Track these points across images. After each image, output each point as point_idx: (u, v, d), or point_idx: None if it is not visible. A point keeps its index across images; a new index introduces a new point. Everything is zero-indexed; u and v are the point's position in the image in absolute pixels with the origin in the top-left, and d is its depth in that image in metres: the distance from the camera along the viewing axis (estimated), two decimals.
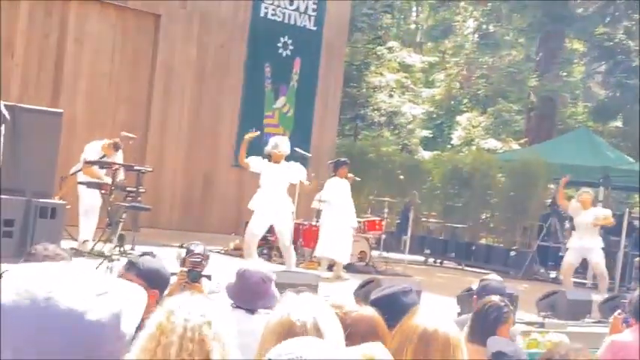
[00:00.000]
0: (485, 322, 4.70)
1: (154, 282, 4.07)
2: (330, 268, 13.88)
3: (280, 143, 11.28)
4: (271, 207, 11.04)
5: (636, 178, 18.97)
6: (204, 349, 2.35)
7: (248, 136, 11.48)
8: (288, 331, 2.26)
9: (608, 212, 14.04)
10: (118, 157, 12.00)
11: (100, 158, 11.70)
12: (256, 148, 12.30)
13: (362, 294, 7.51)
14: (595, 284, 14.50)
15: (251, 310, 4.17)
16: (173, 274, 6.58)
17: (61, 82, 16.06)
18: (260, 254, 14.00)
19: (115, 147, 11.97)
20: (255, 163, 11.29)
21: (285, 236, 11.33)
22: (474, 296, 5.89)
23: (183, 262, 6.90)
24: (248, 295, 4.22)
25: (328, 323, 2.29)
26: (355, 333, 2.77)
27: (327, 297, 3.81)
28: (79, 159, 12.02)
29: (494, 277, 6.33)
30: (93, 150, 11.94)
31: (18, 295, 1.15)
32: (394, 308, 3.14)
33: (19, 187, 9.56)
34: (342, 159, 14.10)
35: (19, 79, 15.51)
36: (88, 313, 1.15)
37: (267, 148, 11.32)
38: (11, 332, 1.13)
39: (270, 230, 14.25)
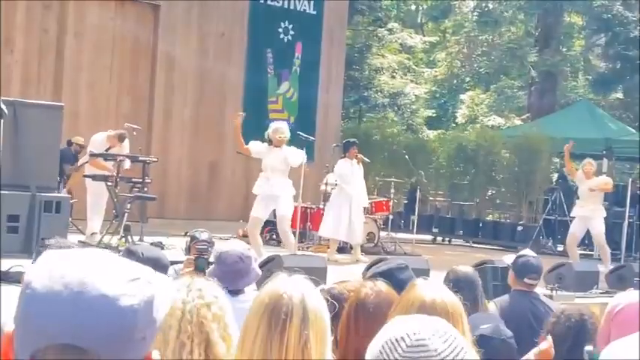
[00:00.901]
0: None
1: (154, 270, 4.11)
2: (341, 249, 13.95)
3: (281, 127, 11.29)
4: (273, 191, 11.05)
5: (638, 149, 19.00)
6: (203, 331, 2.40)
7: (237, 120, 11.48)
8: (274, 303, 2.29)
9: (608, 179, 14.15)
10: (125, 148, 12.03)
11: (106, 149, 11.73)
12: (261, 134, 12.31)
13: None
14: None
15: (236, 291, 4.19)
16: (178, 262, 6.65)
17: (62, 76, 16.10)
18: (270, 239, 14.09)
19: (120, 138, 11.97)
20: (255, 148, 11.29)
21: (285, 220, 11.31)
22: (511, 273, 5.71)
23: (188, 250, 6.96)
24: (229, 275, 4.24)
25: (316, 302, 2.32)
26: (379, 312, 2.81)
27: (342, 281, 3.84)
28: (86, 151, 12.07)
29: (529, 252, 6.14)
30: (98, 141, 11.97)
31: (51, 280, 1.17)
32: (390, 285, 3.17)
33: (22, 182, 9.62)
34: (351, 139, 14.08)
35: (20, 75, 15.56)
36: (122, 299, 1.16)
37: (268, 133, 11.33)
38: (45, 318, 1.15)
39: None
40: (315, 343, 2.24)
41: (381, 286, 3.05)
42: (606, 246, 13.57)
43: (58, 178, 14.38)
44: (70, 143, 14.43)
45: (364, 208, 13.67)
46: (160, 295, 1.23)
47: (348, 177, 13.11)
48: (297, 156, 11.31)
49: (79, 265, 1.19)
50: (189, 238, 7.26)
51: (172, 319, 2.38)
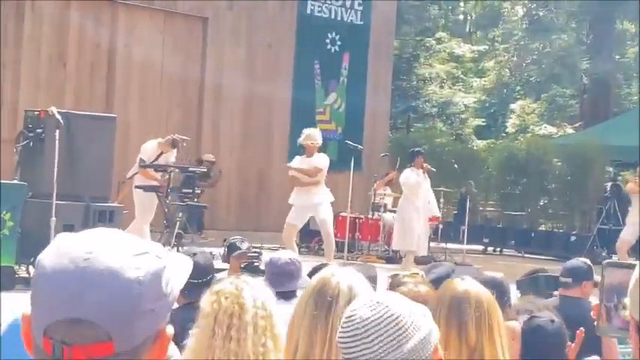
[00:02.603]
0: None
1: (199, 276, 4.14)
2: (389, 259, 13.89)
3: (312, 134, 11.21)
4: (310, 200, 11.01)
5: None
6: (256, 330, 2.41)
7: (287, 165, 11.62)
8: (322, 285, 2.30)
9: None
10: (172, 156, 12.04)
11: (157, 156, 11.77)
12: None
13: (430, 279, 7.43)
14: None
15: (289, 294, 4.24)
16: (221, 270, 6.66)
17: (114, 88, 16.31)
18: (319, 249, 14.08)
19: (173, 144, 11.99)
20: (292, 163, 11.37)
21: (326, 224, 11.26)
22: (562, 279, 5.59)
23: (226, 259, 6.95)
24: (281, 277, 4.32)
25: (364, 288, 2.32)
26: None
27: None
28: (135, 160, 12.14)
29: (582, 259, 6.07)
30: (149, 149, 11.99)
31: (58, 257, 1.19)
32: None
33: (76, 192, 9.73)
34: (417, 149, 13.98)
35: (73, 88, 15.79)
36: (127, 271, 1.17)
37: (300, 140, 11.30)
38: (53, 293, 1.17)
39: None
40: None
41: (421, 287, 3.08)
42: None
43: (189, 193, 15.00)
44: (200, 161, 14.95)
45: (436, 216, 13.51)
46: (172, 269, 1.23)
47: (415, 187, 12.98)
48: (321, 160, 11.20)
49: (86, 241, 1.21)
50: (226, 247, 7.27)
51: (209, 319, 2.41)
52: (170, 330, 1.24)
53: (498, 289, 4.71)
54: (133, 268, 1.18)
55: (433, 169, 13.69)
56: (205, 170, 12.59)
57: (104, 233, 1.24)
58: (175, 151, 12.10)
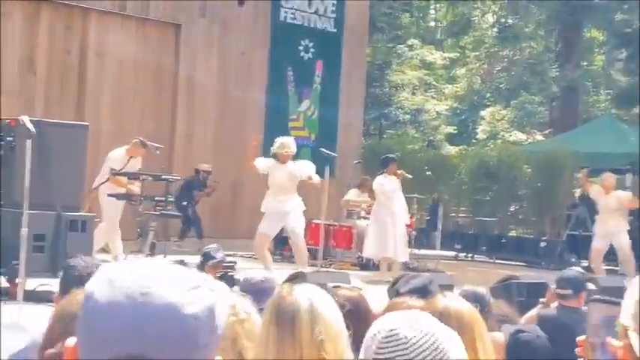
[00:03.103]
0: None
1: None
2: (364, 266, 13.90)
3: (286, 142, 11.19)
4: (281, 208, 10.99)
5: None
6: (236, 347, 2.40)
7: (253, 145, 11.49)
8: (279, 302, 2.28)
9: (630, 194, 14.02)
10: (138, 163, 12.00)
11: (127, 162, 11.73)
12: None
13: (393, 290, 7.47)
14: None
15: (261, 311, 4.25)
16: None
17: (85, 96, 16.22)
18: (292, 257, 14.06)
19: (142, 144, 11.99)
20: (262, 164, 11.25)
21: (297, 235, 11.24)
22: (553, 288, 5.62)
23: (202, 268, 6.95)
24: (254, 294, 4.32)
25: (324, 299, 2.29)
26: None
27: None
28: (103, 170, 12.05)
29: (575, 268, 6.10)
30: (118, 157, 11.94)
31: (112, 291, 1.17)
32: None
33: (48, 201, 9.65)
34: (390, 155, 13.98)
35: (43, 96, 15.68)
36: (185, 307, 1.16)
37: (273, 149, 11.27)
38: (109, 328, 1.15)
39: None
40: (330, 337, 2.21)
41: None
42: (633, 260, 13.43)
43: (185, 204, 15.19)
44: (197, 171, 14.98)
45: (406, 224, 13.51)
46: (220, 303, 1.23)
47: (390, 193, 12.98)
48: (305, 167, 11.18)
49: (139, 274, 1.19)
50: (202, 256, 7.27)
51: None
52: None
53: (480, 302, 4.76)
54: (190, 303, 1.17)
55: (409, 176, 13.71)
56: (179, 178, 12.54)
57: (157, 265, 1.22)
58: (139, 158, 12.02)
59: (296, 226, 11.14)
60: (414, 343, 1.74)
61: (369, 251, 13.31)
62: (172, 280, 1.19)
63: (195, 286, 1.20)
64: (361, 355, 1.80)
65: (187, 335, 1.16)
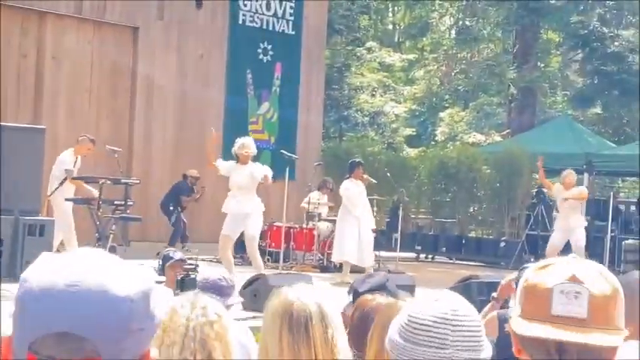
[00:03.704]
0: None
1: None
2: (324, 269, 13.91)
3: (246, 143, 11.17)
4: (242, 209, 10.97)
5: (618, 163, 19.13)
6: (206, 349, 2.39)
7: (213, 137, 11.45)
8: (290, 310, 2.29)
9: (583, 188, 14.29)
10: (78, 162, 11.95)
11: (75, 162, 11.68)
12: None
13: (352, 290, 7.45)
14: None
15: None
16: (159, 282, 6.62)
17: (42, 100, 16.04)
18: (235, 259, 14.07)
19: (91, 141, 12.01)
20: (223, 165, 11.25)
21: (253, 241, 11.22)
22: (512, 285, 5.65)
23: (162, 270, 6.91)
24: (213, 292, 4.39)
25: (328, 303, 2.33)
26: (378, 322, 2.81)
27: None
28: (53, 174, 11.95)
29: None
30: (68, 159, 11.86)
31: (47, 275, 1.18)
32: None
33: (6, 205, 9.56)
34: (357, 159, 13.98)
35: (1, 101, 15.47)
36: (117, 289, 1.17)
37: (234, 149, 11.25)
38: (41, 308, 1.16)
39: (262, 235, 14.25)
40: (340, 338, 2.25)
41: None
42: (583, 253, 13.61)
43: (172, 208, 15.17)
44: (185, 176, 14.94)
45: (372, 229, 13.49)
46: (157, 293, 1.24)
47: (356, 198, 12.97)
48: (261, 170, 11.18)
49: (75, 261, 1.21)
50: (161, 258, 7.24)
51: (176, 336, 2.39)
52: (154, 353, 1.24)
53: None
54: (123, 286, 1.18)
55: (374, 181, 13.72)
56: (138, 182, 12.44)
57: (93, 254, 1.23)
58: (79, 159, 11.96)
59: (254, 232, 11.14)
60: (466, 325, 1.85)
61: (335, 256, 13.30)
62: (107, 267, 1.20)
63: (130, 272, 1.21)
64: (396, 337, 1.85)
65: (120, 316, 1.16)
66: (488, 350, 1.88)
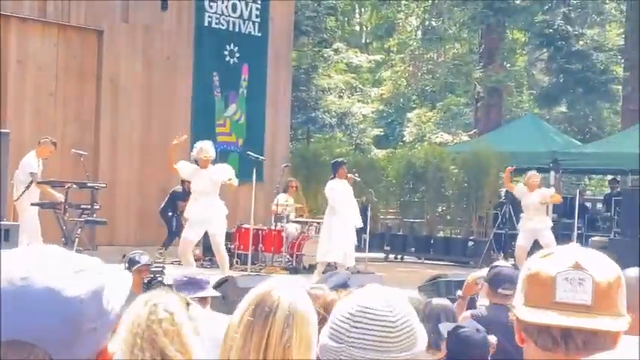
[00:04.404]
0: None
1: None
2: (294, 270, 13.88)
3: (205, 147, 11.17)
4: (204, 214, 10.97)
5: (585, 161, 19.30)
6: (155, 346, 2.38)
7: (176, 141, 11.42)
8: (262, 297, 2.30)
9: (553, 190, 14.39)
10: (40, 164, 11.91)
11: (39, 164, 11.63)
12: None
13: (332, 285, 7.46)
14: None
15: (199, 300, 4.41)
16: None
17: (6, 104, 15.88)
18: (204, 262, 14.05)
19: (53, 143, 11.97)
20: (183, 168, 11.26)
21: (218, 241, 11.23)
22: (484, 283, 5.55)
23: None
24: (189, 285, 4.55)
25: (305, 306, 2.32)
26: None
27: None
28: (16, 177, 11.87)
29: (503, 263, 6.08)
30: (33, 163, 11.80)
31: None
32: None
33: None
34: (340, 159, 14.05)
35: None
36: (66, 290, 1.14)
37: (193, 154, 11.27)
38: None
39: (230, 237, 14.23)
40: (299, 346, 2.23)
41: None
42: None
43: (171, 214, 15.06)
44: (182, 182, 14.87)
45: (357, 227, 13.49)
46: (112, 286, 1.20)
47: (340, 198, 12.98)
48: (224, 170, 11.18)
49: (23, 260, 1.17)
50: (127, 262, 7.20)
51: (129, 334, 2.38)
52: (112, 348, 1.21)
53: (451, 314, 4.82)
54: (72, 286, 1.15)
55: (357, 179, 13.78)
56: (104, 186, 12.35)
57: (41, 250, 1.20)
58: (40, 162, 11.92)
59: (217, 231, 11.15)
60: (389, 321, 1.78)
61: (321, 256, 13.29)
62: (56, 265, 1.17)
63: (80, 269, 1.18)
64: (327, 340, 1.81)
65: (69, 319, 1.14)
66: (403, 354, 1.81)
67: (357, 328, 1.78)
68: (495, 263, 5.94)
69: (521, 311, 1.65)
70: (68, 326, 1.14)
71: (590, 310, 1.61)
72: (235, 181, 11.24)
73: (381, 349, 1.77)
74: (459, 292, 5.74)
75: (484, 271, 5.78)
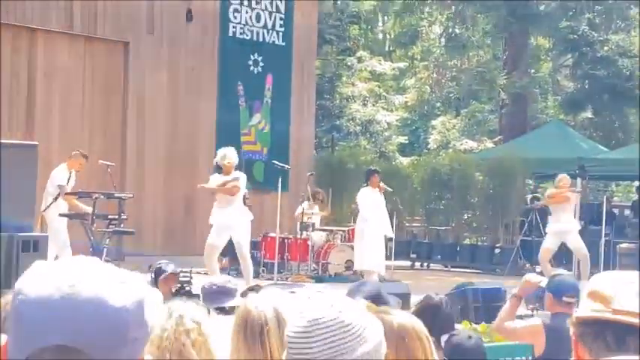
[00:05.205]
0: None
1: None
2: (319, 279, 13.90)
3: (227, 154, 11.24)
4: (228, 220, 11.02)
5: (611, 167, 19.16)
6: (183, 357, 2.38)
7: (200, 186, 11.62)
8: (246, 318, 2.29)
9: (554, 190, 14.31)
10: (73, 178, 12.01)
11: (69, 177, 11.73)
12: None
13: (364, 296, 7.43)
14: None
15: (226, 309, 4.39)
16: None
17: (34, 117, 16.06)
18: (230, 271, 14.07)
19: (84, 156, 12.06)
20: (212, 183, 11.36)
21: (242, 247, 11.27)
22: (548, 294, 5.44)
23: (155, 283, 6.92)
24: (219, 293, 4.55)
25: (287, 306, 2.31)
26: None
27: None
28: (47, 190, 11.98)
29: (563, 271, 6.06)
30: (61, 174, 11.92)
31: (42, 285, 1.18)
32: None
33: None
34: (373, 168, 14.13)
35: None
36: (113, 299, 1.17)
37: (216, 160, 11.34)
38: (38, 320, 1.16)
39: (256, 246, 14.26)
40: None
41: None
42: (587, 254, 13.53)
43: None
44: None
45: (388, 237, 13.55)
46: (150, 300, 1.24)
47: (372, 206, 13.04)
48: (237, 178, 11.20)
49: (68, 270, 1.20)
50: (153, 272, 7.23)
51: (152, 347, 2.36)
52: (148, 357, 1.25)
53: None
54: (118, 295, 1.18)
55: (390, 189, 13.81)
56: (132, 196, 12.45)
57: (86, 261, 1.23)
58: (73, 173, 12.01)
59: (241, 239, 11.20)
60: (322, 323, 1.75)
61: (358, 265, 13.38)
62: (100, 275, 1.20)
63: (123, 280, 1.21)
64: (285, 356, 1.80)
65: (115, 327, 1.17)
66: (367, 344, 1.76)
67: (316, 341, 1.75)
68: (556, 272, 5.90)
69: (581, 311, 1.73)
70: (114, 334, 1.16)
71: None
72: (231, 185, 11.10)
73: (345, 351, 1.75)
74: (514, 291, 5.71)
75: (540, 277, 5.73)
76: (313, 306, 1.80)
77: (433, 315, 4.39)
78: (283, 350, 2.21)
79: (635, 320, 1.64)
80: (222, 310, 4.59)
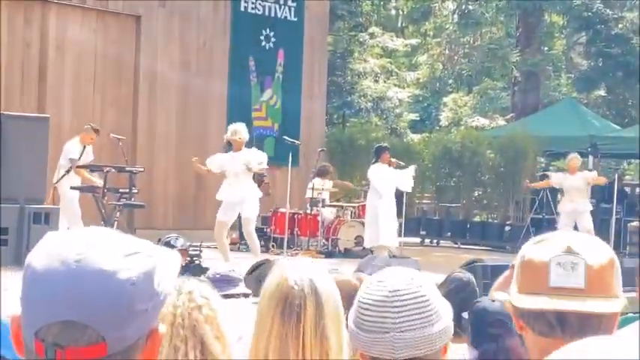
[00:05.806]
0: None
1: None
2: (329, 254, 13.94)
3: (238, 129, 11.23)
4: (237, 196, 11.03)
5: (623, 145, 19.10)
6: (197, 334, 2.38)
7: (195, 165, 11.58)
8: (285, 295, 2.26)
9: (595, 173, 14.30)
10: (90, 151, 12.04)
11: (82, 151, 11.76)
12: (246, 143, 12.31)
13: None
14: None
15: (229, 296, 4.49)
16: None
17: (46, 90, 16.08)
18: (241, 245, 14.12)
19: (95, 130, 12.09)
20: (212, 164, 11.34)
21: (249, 223, 11.29)
22: None
23: None
24: (223, 281, 4.75)
25: (327, 286, 2.29)
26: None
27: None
28: (60, 163, 12.02)
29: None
30: (73, 149, 11.95)
31: (49, 259, 1.18)
32: None
33: (10, 194, 9.60)
34: (383, 144, 14.18)
35: (3, 90, 15.51)
36: (120, 272, 1.18)
37: (227, 136, 11.33)
38: (44, 296, 1.17)
39: (267, 221, 14.30)
40: (334, 331, 2.22)
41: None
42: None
43: None
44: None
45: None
46: (163, 268, 1.24)
47: (385, 181, 13.11)
48: (253, 155, 11.20)
49: (77, 242, 1.21)
50: (162, 246, 7.29)
51: (168, 325, 2.35)
52: (162, 329, 1.25)
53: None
54: (125, 269, 1.18)
55: (402, 163, 13.85)
56: (142, 170, 12.48)
57: (94, 232, 1.23)
58: (90, 148, 12.05)
59: (249, 215, 11.23)
60: (404, 294, 1.81)
61: (368, 241, 13.44)
62: (108, 247, 1.20)
63: (132, 252, 1.21)
64: (363, 332, 1.82)
65: (122, 301, 1.17)
66: (442, 322, 1.83)
67: (398, 311, 1.78)
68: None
69: (517, 298, 1.67)
70: (121, 308, 1.17)
71: (584, 293, 1.62)
72: (256, 167, 11.16)
73: (425, 325, 1.80)
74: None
75: None
76: (394, 277, 1.83)
77: (464, 294, 4.46)
78: (319, 340, 2.20)
79: (570, 303, 1.61)
80: (225, 297, 4.67)
